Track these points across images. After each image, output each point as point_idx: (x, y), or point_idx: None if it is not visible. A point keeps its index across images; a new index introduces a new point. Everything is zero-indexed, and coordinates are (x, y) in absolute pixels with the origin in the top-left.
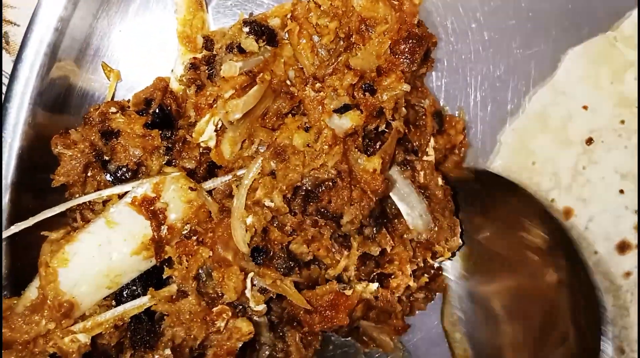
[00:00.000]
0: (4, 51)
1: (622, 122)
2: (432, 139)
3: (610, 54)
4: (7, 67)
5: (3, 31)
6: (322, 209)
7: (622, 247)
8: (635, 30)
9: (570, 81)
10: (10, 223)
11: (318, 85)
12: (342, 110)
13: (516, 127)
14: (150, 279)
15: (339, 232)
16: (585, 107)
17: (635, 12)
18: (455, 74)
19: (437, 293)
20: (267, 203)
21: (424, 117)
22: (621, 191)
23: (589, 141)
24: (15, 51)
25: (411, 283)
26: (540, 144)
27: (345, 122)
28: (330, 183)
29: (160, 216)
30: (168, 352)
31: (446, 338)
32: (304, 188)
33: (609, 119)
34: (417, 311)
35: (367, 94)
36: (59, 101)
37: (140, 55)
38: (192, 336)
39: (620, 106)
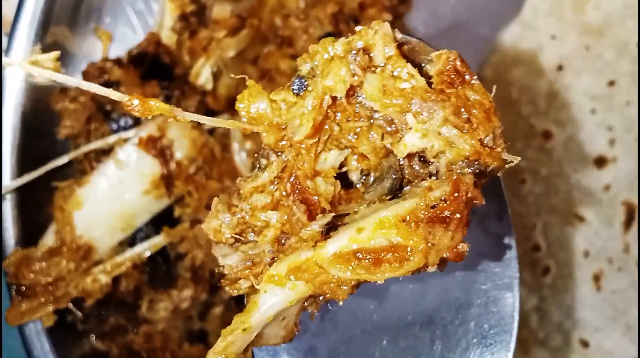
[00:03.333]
0: None
1: (587, 48)
2: None
3: None
4: None
5: None
6: None
7: (599, 162)
8: None
9: (537, 14)
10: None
11: (302, 16)
12: (325, 37)
13: (493, 63)
14: (161, 223)
15: None
16: (553, 38)
17: None
18: (431, 13)
19: None
20: None
21: None
22: (593, 111)
23: (559, 68)
24: (7, 24)
25: None
26: (516, 75)
27: None
28: None
29: (167, 152)
30: (186, 293)
31: None
32: None
33: (575, 47)
34: None
35: (350, 24)
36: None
37: (129, 17)
38: (210, 256)
39: (584, 34)
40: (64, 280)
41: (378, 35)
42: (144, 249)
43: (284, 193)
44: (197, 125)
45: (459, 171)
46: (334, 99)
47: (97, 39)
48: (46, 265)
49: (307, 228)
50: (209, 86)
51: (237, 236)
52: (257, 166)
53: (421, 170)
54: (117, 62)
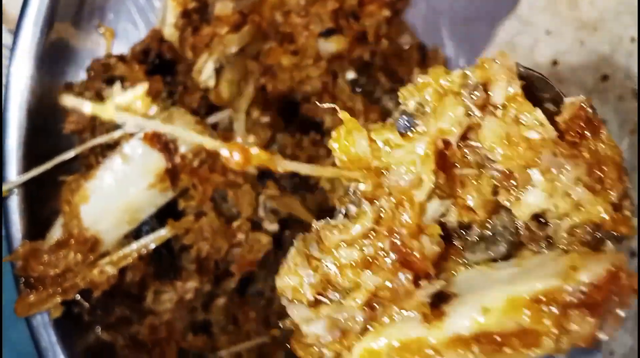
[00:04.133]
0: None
1: (582, 44)
2: (416, 71)
3: None
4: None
5: None
6: (306, 117)
7: None
8: None
9: (533, 11)
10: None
11: (303, 13)
12: (326, 34)
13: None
14: (167, 216)
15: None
16: (548, 33)
17: None
18: (431, 10)
19: None
20: (263, 119)
21: (408, 50)
22: None
23: (554, 63)
24: (6, 21)
25: None
26: None
27: (330, 45)
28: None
29: (171, 146)
30: (190, 284)
31: None
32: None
33: (570, 43)
34: None
35: (350, 20)
36: (60, 62)
37: (131, 13)
38: (215, 248)
39: (579, 30)
40: (72, 272)
41: (500, 69)
42: (150, 241)
43: (381, 252)
44: (201, 119)
45: (582, 236)
46: (447, 143)
47: (100, 35)
48: (54, 257)
49: (413, 297)
50: (212, 82)
51: (319, 297)
52: (343, 212)
53: (538, 231)
54: (121, 58)
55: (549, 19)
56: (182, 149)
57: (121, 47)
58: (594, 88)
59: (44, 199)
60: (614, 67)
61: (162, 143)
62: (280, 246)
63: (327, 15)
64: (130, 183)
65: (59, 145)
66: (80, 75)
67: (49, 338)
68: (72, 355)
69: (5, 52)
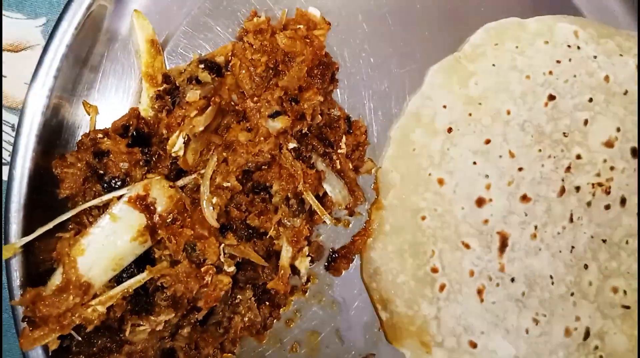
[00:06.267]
0: None
1: (470, 114)
2: (344, 137)
3: (457, 68)
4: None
5: None
6: (258, 182)
7: (479, 202)
8: (473, 50)
9: (433, 89)
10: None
11: (256, 99)
12: (274, 115)
13: (400, 125)
14: (142, 262)
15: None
16: (444, 106)
17: (472, 37)
18: (353, 90)
19: (356, 255)
20: (225, 184)
21: (337, 121)
22: (474, 163)
23: (449, 130)
24: (3, 98)
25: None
26: (417, 135)
27: (277, 124)
28: (267, 166)
29: (151, 208)
30: (162, 317)
31: (365, 288)
32: (250, 170)
33: (461, 114)
34: (343, 271)
35: (292, 104)
36: (54, 133)
37: (111, 93)
38: (188, 288)
39: (468, 104)
40: (70, 311)
41: None
42: (132, 284)
43: None
44: (173, 184)
45: None
46: None
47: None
48: (57, 299)
49: None
50: (181, 153)
51: None
52: None
53: None
54: (106, 133)
55: (445, 95)
56: (159, 209)
57: (105, 122)
58: (479, 149)
59: (39, 252)
60: (494, 133)
61: (143, 205)
62: (235, 283)
63: (275, 101)
64: (117, 237)
65: (52, 205)
66: (71, 146)
67: None
68: None
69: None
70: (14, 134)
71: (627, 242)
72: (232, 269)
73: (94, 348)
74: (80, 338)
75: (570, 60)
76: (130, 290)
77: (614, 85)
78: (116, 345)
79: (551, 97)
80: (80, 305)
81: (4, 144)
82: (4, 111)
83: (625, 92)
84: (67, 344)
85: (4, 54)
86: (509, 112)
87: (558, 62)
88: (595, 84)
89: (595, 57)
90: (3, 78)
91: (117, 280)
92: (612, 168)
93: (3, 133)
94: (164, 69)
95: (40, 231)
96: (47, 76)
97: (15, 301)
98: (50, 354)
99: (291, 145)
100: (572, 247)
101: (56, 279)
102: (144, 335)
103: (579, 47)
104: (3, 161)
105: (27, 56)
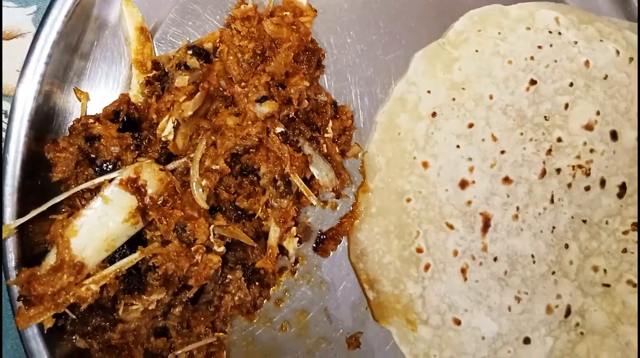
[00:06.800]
0: None
1: (454, 99)
2: (330, 122)
3: (441, 54)
4: None
5: None
6: (246, 165)
7: (463, 184)
8: (457, 36)
9: (417, 75)
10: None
11: (243, 84)
12: (261, 100)
13: (385, 110)
14: (134, 243)
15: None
16: (429, 92)
17: (456, 23)
18: (339, 76)
19: (343, 237)
20: (214, 167)
21: (324, 106)
22: (458, 146)
23: (434, 114)
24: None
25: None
26: (402, 120)
27: (264, 109)
28: (254, 149)
29: (142, 190)
30: (154, 296)
31: (353, 268)
32: (238, 153)
33: (445, 99)
34: (330, 252)
35: (279, 89)
36: (46, 119)
37: (102, 80)
38: (179, 267)
39: (451, 89)
40: (64, 290)
41: None
42: (124, 263)
43: None
44: (163, 167)
45: None
46: None
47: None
48: (51, 278)
49: None
50: (171, 137)
51: None
52: None
53: None
54: (97, 119)
55: (429, 81)
56: (150, 191)
57: (96, 108)
58: (462, 133)
59: (33, 234)
60: (477, 117)
61: (134, 187)
62: (225, 263)
63: (262, 86)
64: (109, 218)
65: (46, 185)
66: (63, 131)
67: (38, 347)
68: None
69: None
70: (6, 120)
71: (606, 222)
72: (221, 249)
73: (89, 327)
74: (74, 317)
75: (551, 45)
76: (123, 270)
77: (594, 70)
78: (110, 323)
79: (532, 82)
80: (74, 284)
81: None
82: None
83: (605, 77)
84: (61, 323)
85: None
86: (491, 97)
87: (539, 47)
88: (575, 69)
89: (575, 42)
90: None
91: (110, 260)
92: (592, 151)
93: None
94: (153, 55)
95: (35, 212)
96: (38, 62)
97: (10, 280)
98: (45, 333)
99: (278, 129)
100: (553, 227)
101: (50, 259)
102: (137, 314)
103: (560, 33)
104: None
105: (18, 43)
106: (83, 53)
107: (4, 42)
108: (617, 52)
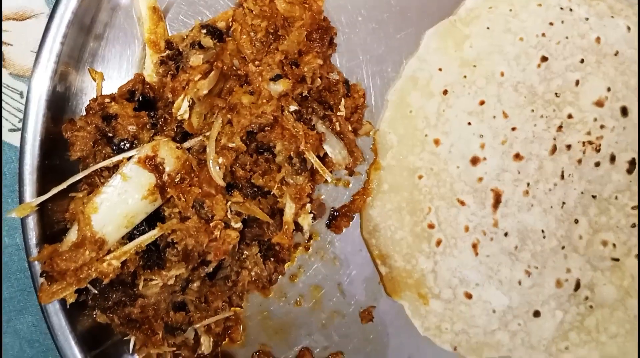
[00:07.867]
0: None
1: (465, 77)
2: (342, 100)
3: (452, 32)
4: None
5: None
6: (261, 143)
7: (474, 161)
8: (468, 13)
9: (428, 52)
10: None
11: (257, 63)
12: (275, 78)
13: (397, 88)
14: (152, 220)
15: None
16: (440, 69)
17: (467, 0)
18: (351, 54)
19: (356, 213)
20: (230, 144)
21: (336, 84)
22: (469, 123)
23: (445, 92)
24: (10, 66)
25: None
26: (414, 98)
27: (278, 87)
28: (269, 127)
29: (160, 168)
30: (173, 272)
31: (365, 244)
32: (253, 131)
33: (456, 76)
34: (343, 228)
35: (293, 67)
36: (62, 99)
37: (116, 60)
38: (198, 242)
39: (462, 66)
40: (86, 266)
41: None
42: (144, 239)
43: None
44: (180, 145)
45: None
46: None
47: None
48: (74, 254)
49: None
50: (186, 116)
51: None
52: None
53: None
54: (113, 98)
55: (440, 58)
56: (167, 168)
57: (111, 88)
58: (474, 110)
59: (53, 213)
60: (488, 94)
61: (152, 165)
62: (242, 239)
63: (275, 65)
64: (129, 196)
65: (64, 168)
66: (79, 111)
67: (60, 322)
68: (78, 334)
69: (8, 93)
70: (23, 101)
71: (616, 198)
72: (239, 225)
73: (109, 302)
74: (96, 292)
75: (562, 22)
76: (143, 246)
77: (605, 46)
78: (130, 298)
79: (544, 59)
80: (95, 259)
81: (13, 111)
82: (12, 79)
83: (616, 53)
84: (83, 299)
85: (9, 23)
86: (502, 74)
87: (551, 24)
88: (586, 45)
89: (587, 19)
90: (9, 47)
91: (130, 237)
92: (602, 127)
93: (13, 100)
94: (166, 35)
95: (55, 190)
96: (54, 42)
97: (33, 257)
98: (67, 308)
99: (292, 108)
100: (563, 203)
101: (72, 236)
102: (156, 289)
103: (571, 10)
104: (15, 127)
105: (31, 24)
106: (97, 34)
107: (17, 23)
108: (628, 28)
